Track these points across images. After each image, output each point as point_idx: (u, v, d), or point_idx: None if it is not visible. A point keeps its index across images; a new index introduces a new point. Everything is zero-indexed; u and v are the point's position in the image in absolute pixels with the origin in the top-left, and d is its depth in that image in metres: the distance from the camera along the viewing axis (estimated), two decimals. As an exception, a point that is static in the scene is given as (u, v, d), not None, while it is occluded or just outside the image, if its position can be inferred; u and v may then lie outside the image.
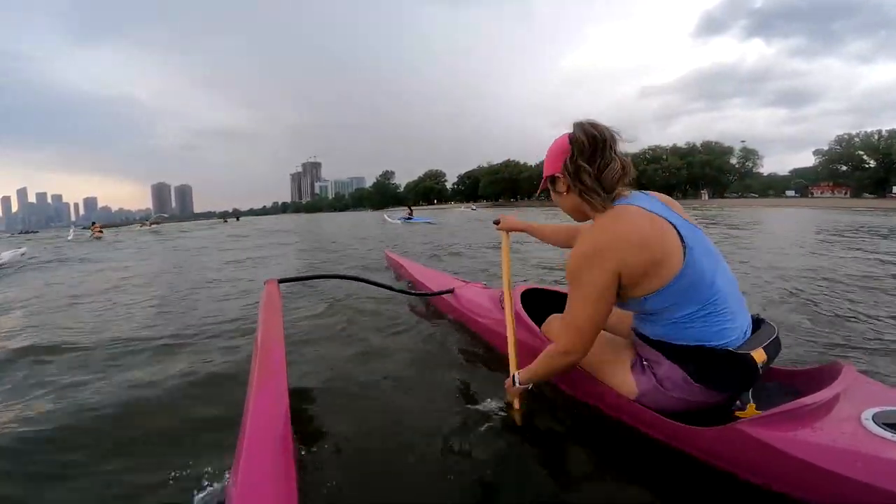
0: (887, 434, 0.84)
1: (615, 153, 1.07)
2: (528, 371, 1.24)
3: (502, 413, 1.34)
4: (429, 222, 15.96)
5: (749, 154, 60.89)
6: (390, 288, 2.46)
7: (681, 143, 62.47)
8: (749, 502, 0.95)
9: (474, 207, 37.84)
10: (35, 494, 1.14)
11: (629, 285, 1.03)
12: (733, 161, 60.18)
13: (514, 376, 1.30)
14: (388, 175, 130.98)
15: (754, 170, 62.51)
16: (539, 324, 1.51)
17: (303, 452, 1.17)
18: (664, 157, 59.21)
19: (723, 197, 55.62)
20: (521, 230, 1.81)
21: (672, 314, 1.04)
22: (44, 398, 1.69)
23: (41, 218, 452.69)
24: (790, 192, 56.50)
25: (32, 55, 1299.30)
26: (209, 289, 4.16)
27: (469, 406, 1.43)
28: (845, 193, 49.08)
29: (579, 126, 1.08)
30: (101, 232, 19.60)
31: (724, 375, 1.02)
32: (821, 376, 1.07)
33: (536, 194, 1.43)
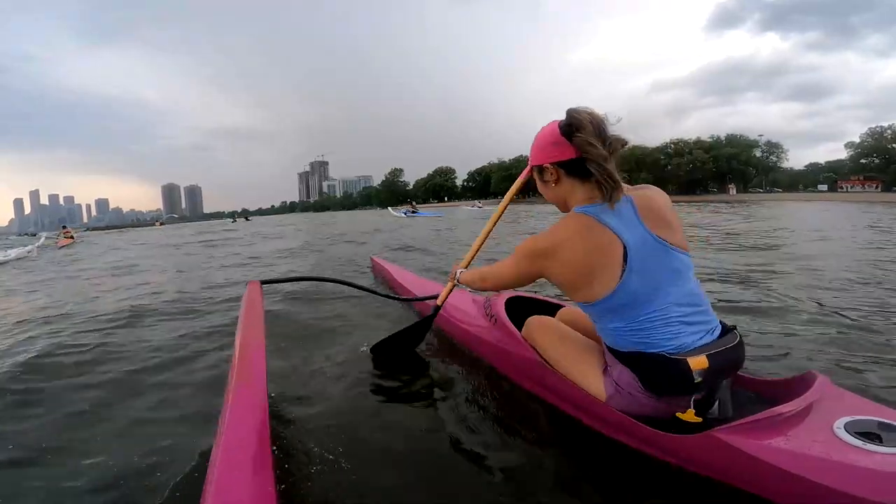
0: (858, 442, 0.87)
1: (609, 137, 1.07)
2: (465, 276, 1.60)
3: (478, 413, 1.44)
4: (438, 216, 16.90)
5: (773, 148, 58.71)
6: (375, 292, 2.43)
7: (692, 138, 60.63)
8: None
9: (480, 205, 35.73)
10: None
11: (560, 287, 1.16)
12: (757, 155, 58.01)
13: (457, 271, 1.69)
14: (396, 173, 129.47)
15: (778, 164, 60.40)
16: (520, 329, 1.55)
17: (280, 456, 1.15)
18: (689, 150, 56.82)
19: (748, 191, 53.32)
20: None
21: (606, 323, 1.12)
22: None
23: (54, 220, 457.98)
24: (822, 187, 53.86)
25: (43, 57, 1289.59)
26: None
27: (446, 409, 1.48)
28: (876, 187, 46.62)
29: (576, 110, 1.07)
30: (71, 238, 16.17)
31: (662, 380, 1.05)
32: (796, 386, 1.09)
33: (522, 179, 1.45)
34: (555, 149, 1.11)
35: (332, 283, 2.61)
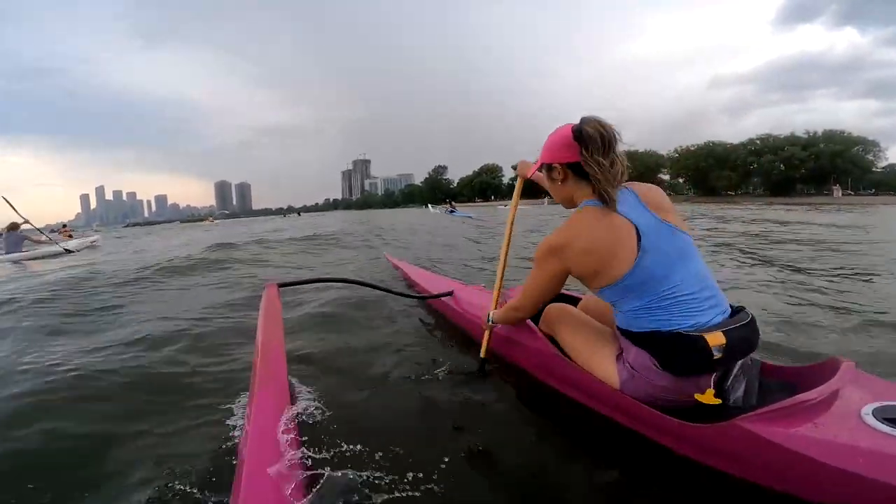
0: (888, 429, 0.85)
1: (616, 153, 1.13)
2: (496, 314, 1.60)
3: (494, 406, 1.47)
4: (468, 217, 17.35)
5: (870, 146, 50.32)
6: (390, 291, 2.53)
7: (784, 133, 52.86)
8: (749, 499, 0.94)
9: (504, 206, 32.06)
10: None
11: (582, 278, 1.19)
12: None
13: (489, 314, 1.67)
14: (439, 170, 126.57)
15: (876, 163, 51.77)
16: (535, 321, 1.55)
17: (308, 451, 1.13)
18: (781, 147, 49.56)
19: (856, 193, 45.71)
20: (536, 180, 1.64)
21: (628, 304, 1.15)
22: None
23: (117, 214, 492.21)
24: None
25: (100, 58, 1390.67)
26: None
27: (465, 406, 1.49)
28: None
29: (589, 122, 1.13)
30: (69, 236, 12.38)
31: (680, 358, 1.06)
32: (820, 372, 1.07)
33: (530, 174, 1.56)
34: (565, 151, 1.17)
35: (347, 284, 2.66)
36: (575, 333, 1.35)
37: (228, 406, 1.47)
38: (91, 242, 11.74)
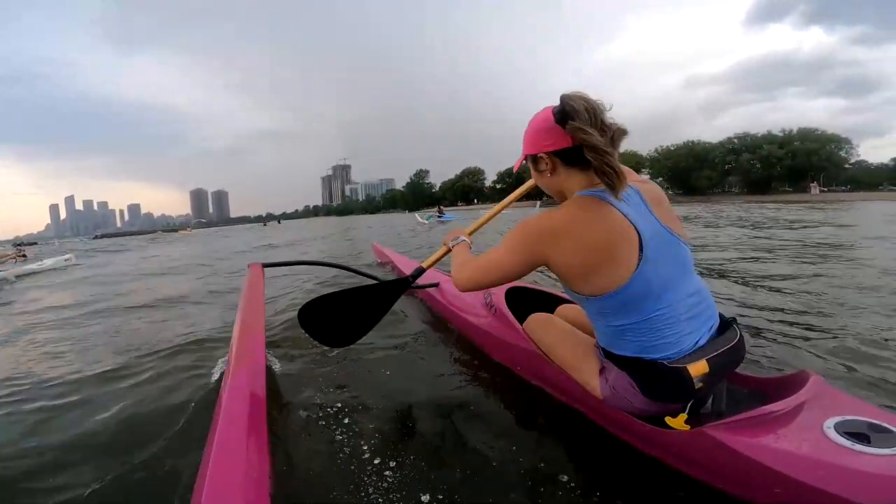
0: (847, 443, 0.86)
1: (607, 126, 0.96)
2: (461, 253, 1.39)
3: (477, 402, 1.44)
4: (456, 219, 17.32)
5: (843, 143, 51.52)
6: (374, 278, 2.27)
7: (761, 132, 53.81)
8: None
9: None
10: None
11: (567, 277, 1.02)
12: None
13: (459, 238, 1.50)
14: (421, 174, 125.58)
15: (850, 161, 53.03)
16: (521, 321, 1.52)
17: (277, 434, 1.17)
18: (759, 145, 50.22)
19: (831, 190, 46.48)
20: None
21: (610, 321, 1.03)
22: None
23: (89, 225, 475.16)
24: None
25: (80, 63, 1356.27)
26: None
27: (444, 398, 1.47)
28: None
29: (570, 96, 0.97)
30: (23, 256, 10.55)
31: (661, 387, 1.02)
32: (789, 384, 1.08)
33: (516, 170, 1.31)
34: (549, 137, 1.01)
35: (332, 269, 2.71)
36: (561, 344, 1.27)
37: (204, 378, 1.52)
38: (53, 264, 9.18)
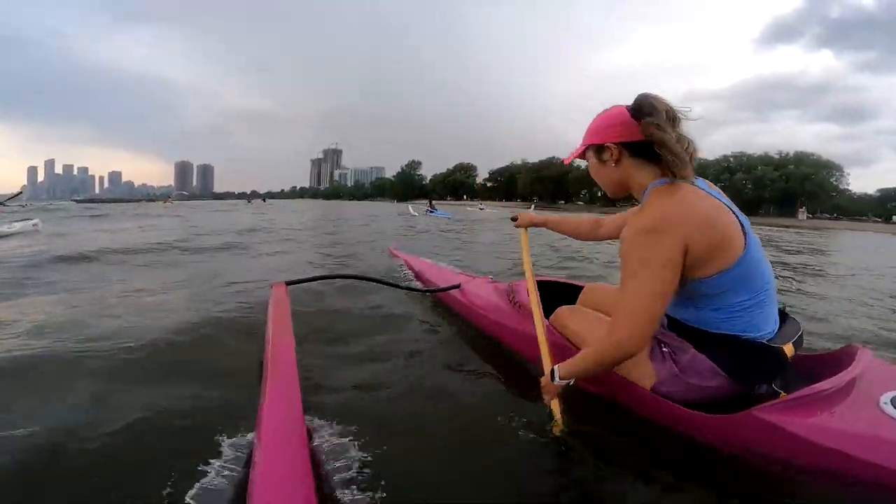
0: None
1: (682, 131, 1.00)
2: (571, 365, 1.10)
3: (509, 403, 1.39)
4: (447, 217, 16.77)
5: (835, 170, 51.64)
6: (397, 286, 2.44)
7: (758, 152, 53.75)
8: (767, 489, 0.94)
9: (482, 206, 33.80)
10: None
11: (690, 266, 0.97)
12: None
13: (552, 371, 1.15)
14: (413, 165, 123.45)
15: (840, 188, 53.32)
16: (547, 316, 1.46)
17: (321, 457, 1.13)
18: (754, 166, 49.91)
19: (816, 217, 46.49)
20: (539, 225, 1.71)
21: (723, 301, 1.00)
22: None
23: (66, 189, 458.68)
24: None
25: (78, 33, 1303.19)
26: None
27: (479, 403, 1.43)
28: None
29: (649, 95, 0.99)
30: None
31: (755, 367, 1.01)
32: (837, 360, 1.05)
33: (568, 161, 1.26)
34: (620, 129, 1.04)
35: (354, 280, 2.67)
36: (598, 332, 1.19)
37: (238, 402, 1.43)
38: (21, 228, 8.33)
